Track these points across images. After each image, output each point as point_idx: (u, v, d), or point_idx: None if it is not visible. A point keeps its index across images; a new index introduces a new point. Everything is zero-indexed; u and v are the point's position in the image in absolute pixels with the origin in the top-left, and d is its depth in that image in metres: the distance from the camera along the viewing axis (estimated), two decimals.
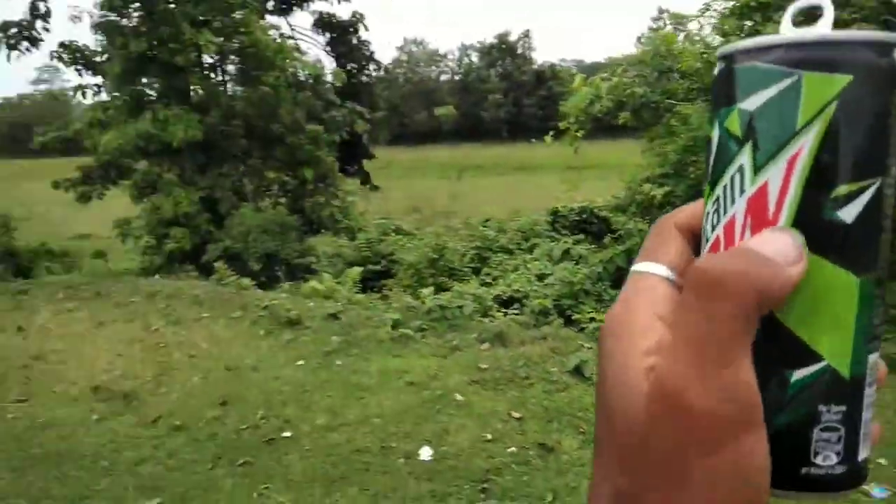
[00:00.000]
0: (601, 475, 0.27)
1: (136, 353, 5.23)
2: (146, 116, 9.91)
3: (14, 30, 11.24)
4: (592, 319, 6.09)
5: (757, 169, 0.28)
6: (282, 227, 10.25)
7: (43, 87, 62.56)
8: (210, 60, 11.16)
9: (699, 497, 0.24)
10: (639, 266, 0.31)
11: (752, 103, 0.28)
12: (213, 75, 11.24)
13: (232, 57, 10.95)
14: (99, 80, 11.73)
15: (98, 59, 11.43)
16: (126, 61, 10.36)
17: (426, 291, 7.10)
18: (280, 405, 4.26)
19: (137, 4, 10.40)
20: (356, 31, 15.10)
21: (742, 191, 0.28)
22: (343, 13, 15.21)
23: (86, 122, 12.80)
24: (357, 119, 13.14)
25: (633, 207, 8.88)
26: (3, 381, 4.78)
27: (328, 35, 15.01)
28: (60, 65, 11.85)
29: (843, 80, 0.26)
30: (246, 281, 8.06)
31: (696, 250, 0.32)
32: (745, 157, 0.28)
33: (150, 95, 11.11)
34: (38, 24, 11.50)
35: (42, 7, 11.46)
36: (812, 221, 0.27)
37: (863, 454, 0.28)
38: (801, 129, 0.26)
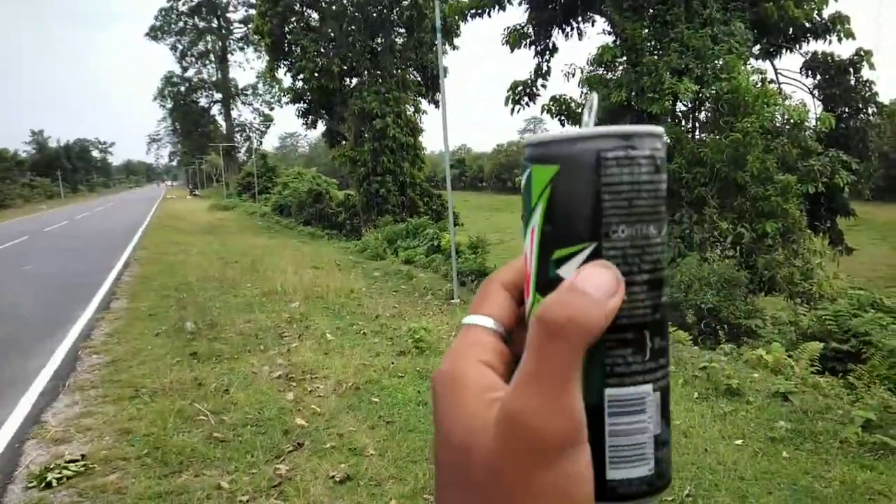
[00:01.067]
0: (445, 500, 0.31)
1: None
2: None
3: (520, 88, 13.41)
4: None
5: (524, 235, 0.35)
6: (728, 283, 9.43)
7: (527, 135, 74.40)
8: (684, 108, 11.16)
9: None
10: (467, 319, 0.35)
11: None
12: (684, 123, 11.20)
13: (707, 105, 10.71)
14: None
15: (580, 110, 12.69)
16: (604, 112, 11.18)
17: None
18: (711, 486, 3.73)
19: (624, 59, 11.16)
20: (857, 70, 13.01)
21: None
22: (843, 52, 13.36)
23: None
24: (840, 169, 11.22)
25: None
26: None
27: (818, 77, 13.35)
28: (546, 116, 13.57)
29: (552, 169, 0.33)
30: (682, 334, 7.63)
31: (520, 302, 0.36)
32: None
33: None
34: (539, 81, 13.48)
35: (545, 67, 13.41)
36: (543, 279, 0.33)
37: (613, 475, 0.31)
38: (534, 207, 0.34)
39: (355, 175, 24.10)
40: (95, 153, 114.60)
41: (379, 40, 24.43)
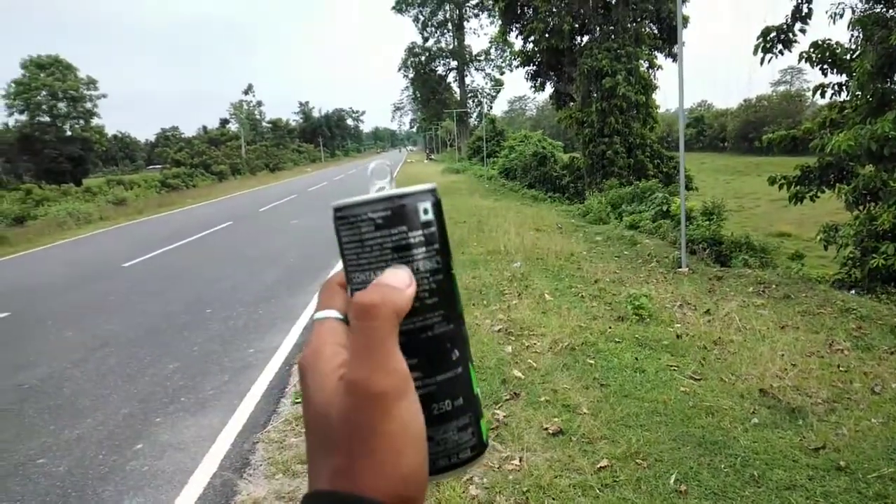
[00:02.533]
0: (318, 466, 0.37)
1: (813, 368, 4.82)
2: (888, 117, 8.84)
3: (773, 34, 11.87)
4: None
5: None
6: None
7: (781, 88, 65.72)
8: None
9: (390, 449, 0.35)
10: (319, 314, 0.42)
11: None
12: None
13: None
14: (843, 79, 11.20)
15: (848, 56, 10.87)
16: (880, 57, 9.46)
17: None
18: None
19: None
20: None
21: None
22: None
23: (818, 121, 12.51)
24: None
25: None
26: (685, 355, 5.26)
27: None
28: (807, 65, 11.84)
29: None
30: None
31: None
32: None
33: None
34: (797, 25, 11.77)
35: (804, 9, 11.64)
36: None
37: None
38: None
39: (581, 137, 23.66)
40: (349, 121, 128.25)
41: None
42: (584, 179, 24.16)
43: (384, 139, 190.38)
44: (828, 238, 10.58)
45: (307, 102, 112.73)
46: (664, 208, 14.25)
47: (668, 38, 23.95)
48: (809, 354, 5.16)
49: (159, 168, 64.38)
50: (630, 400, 4.41)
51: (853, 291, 8.59)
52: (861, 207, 10.16)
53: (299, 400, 4.81)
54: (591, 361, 5.14)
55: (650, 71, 24.17)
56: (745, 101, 62.73)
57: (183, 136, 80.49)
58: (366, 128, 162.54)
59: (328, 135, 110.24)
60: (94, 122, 55.83)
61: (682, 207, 9.64)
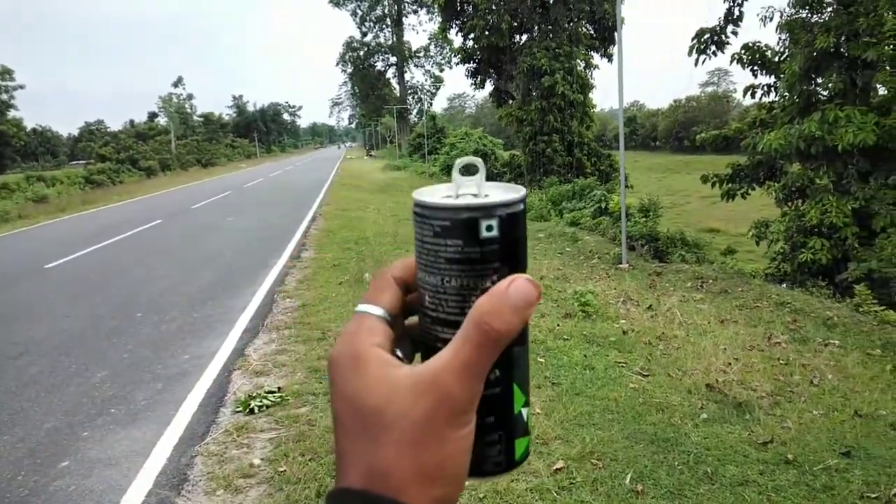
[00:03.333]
0: (351, 461, 0.36)
1: (755, 362, 4.96)
2: (814, 117, 9.27)
3: (707, 36, 12.28)
4: None
5: None
6: None
7: (709, 89, 68.49)
8: None
9: (451, 453, 0.35)
10: (360, 307, 0.41)
11: None
12: None
13: None
14: (771, 80, 11.69)
15: (777, 59, 11.34)
16: (807, 60, 9.89)
17: None
18: None
19: None
20: None
21: None
22: None
23: (748, 121, 13.03)
24: None
25: None
26: (632, 351, 5.31)
27: None
28: (735, 67, 12.29)
29: None
30: (892, 315, 6.68)
31: (406, 293, 0.43)
32: None
33: (823, 96, 10.37)
34: (729, 28, 12.22)
35: (736, 11, 12.09)
36: None
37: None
38: None
39: (521, 135, 23.91)
40: (286, 116, 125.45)
41: None
42: (524, 177, 24.42)
43: (322, 135, 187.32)
44: (759, 234, 11.03)
45: (241, 96, 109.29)
46: (603, 205, 14.52)
47: (604, 39, 24.46)
48: (751, 348, 5.30)
49: (83, 164, 61.11)
50: (582, 398, 4.39)
51: (784, 285, 8.95)
52: (790, 204, 10.64)
53: (240, 409, 4.58)
54: (542, 360, 5.12)
55: (587, 70, 24.65)
56: (675, 101, 65.15)
57: (108, 130, 76.68)
58: (303, 123, 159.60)
59: (263, 130, 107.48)
60: (11, 114, 52.46)
61: (622, 204, 9.81)
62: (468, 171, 0.41)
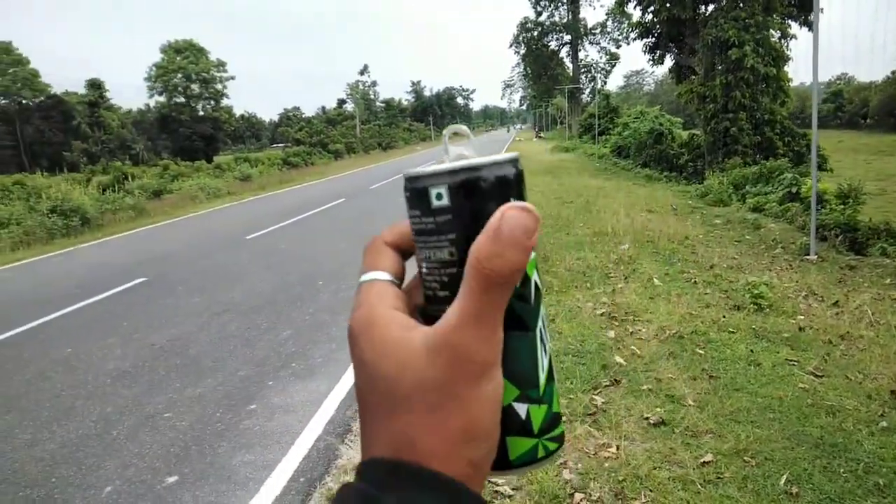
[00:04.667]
0: (376, 431, 0.36)
1: None
2: None
3: None
4: None
5: None
6: None
7: None
8: None
9: (475, 414, 0.34)
10: (366, 276, 0.40)
11: None
12: None
13: None
14: None
15: None
16: None
17: None
18: None
19: None
20: None
21: None
22: None
23: None
24: None
25: None
26: (807, 349, 4.87)
27: None
28: None
29: None
30: None
31: (404, 258, 0.42)
32: None
33: None
34: None
35: None
36: None
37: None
38: None
39: (703, 112, 22.31)
40: (459, 100, 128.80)
41: None
42: (704, 158, 22.82)
43: (494, 117, 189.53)
44: None
45: (419, 82, 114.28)
46: (793, 190, 13.15)
47: (803, 5, 21.87)
48: None
49: (282, 147, 68.08)
50: (741, 394, 4.16)
51: None
52: None
53: None
54: (701, 351, 4.90)
55: (782, 41, 22.25)
56: (892, 73, 56.22)
57: (303, 116, 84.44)
58: (475, 106, 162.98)
59: (439, 113, 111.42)
60: (224, 102, 59.91)
61: (813, 189, 8.86)
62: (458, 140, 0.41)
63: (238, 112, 78.15)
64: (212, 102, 58.50)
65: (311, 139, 58.96)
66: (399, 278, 0.41)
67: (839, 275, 7.29)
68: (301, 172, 36.52)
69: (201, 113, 57.44)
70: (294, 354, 5.66)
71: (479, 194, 0.36)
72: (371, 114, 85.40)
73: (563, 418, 0.40)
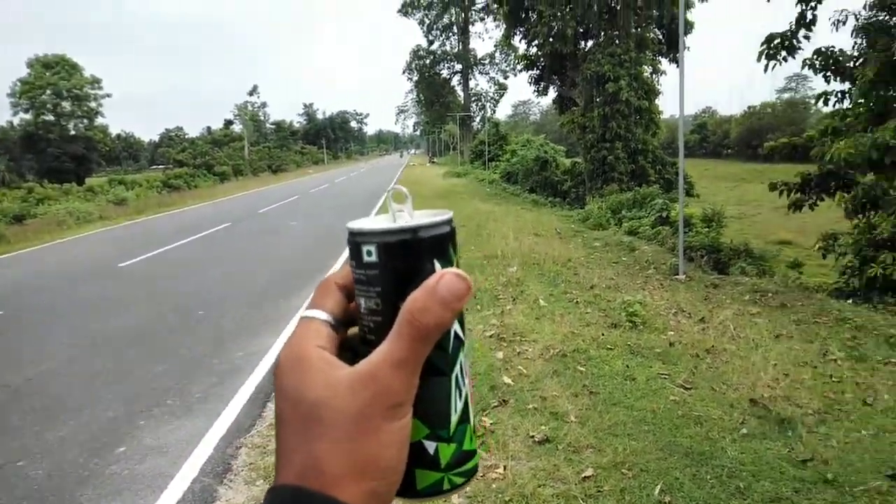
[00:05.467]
0: (290, 458, 0.37)
1: (805, 378, 4.77)
2: (890, 125, 8.79)
3: (777, 41, 11.83)
4: None
5: None
6: None
7: (786, 95, 65.59)
8: None
9: (386, 445, 0.37)
10: (307, 312, 0.43)
11: None
12: None
13: None
14: (846, 86, 11.14)
15: (851, 64, 10.82)
16: (883, 65, 9.41)
17: None
18: None
19: None
20: None
21: None
22: None
23: (819, 129, 12.47)
24: None
25: None
26: (677, 363, 5.20)
27: None
28: (809, 72, 11.79)
29: None
30: None
31: (349, 299, 0.44)
32: None
33: None
34: (801, 32, 11.73)
35: (809, 15, 11.62)
36: None
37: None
38: None
39: (583, 142, 23.64)
40: (353, 124, 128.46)
41: None
42: (585, 185, 24.12)
43: (387, 142, 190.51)
44: (826, 247, 10.52)
45: (311, 104, 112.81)
46: (664, 214, 14.19)
47: (672, 44, 23.91)
48: (802, 364, 5.10)
49: (162, 168, 64.50)
50: (618, 408, 4.35)
51: (851, 300, 8.51)
52: (860, 216, 10.10)
53: None
54: (582, 368, 5.09)
55: (653, 76, 24.17)
56: (748, 108, 62.67)
57: (187, 136, 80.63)
58: (369, 130, 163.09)
59: (332, 137, 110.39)
60: (98, 121, 55.99)
61: (680, 213, 9.58)
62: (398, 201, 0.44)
63: (115, 132, 73.29)
64: (85, 121, 54.40)
65: (194, 161, 56.29)
66: (339, 319, 0.44)
67: (705, 293, 7.90)
68: (183, 195, 34.71)
69: (73, 132, 53.25)
70: (170, 390, 5.28)
71: (405, 254, 0.40)
72: (261, 135, 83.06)
73: None
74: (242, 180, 54.01)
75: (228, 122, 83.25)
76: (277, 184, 44.76)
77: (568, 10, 23.58)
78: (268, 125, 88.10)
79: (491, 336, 5.95)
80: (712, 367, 5.07)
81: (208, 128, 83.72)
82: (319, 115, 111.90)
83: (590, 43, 24.27)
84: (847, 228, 10.41)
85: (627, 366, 5.12)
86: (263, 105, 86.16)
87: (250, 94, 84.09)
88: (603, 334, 5.93)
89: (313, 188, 34.06)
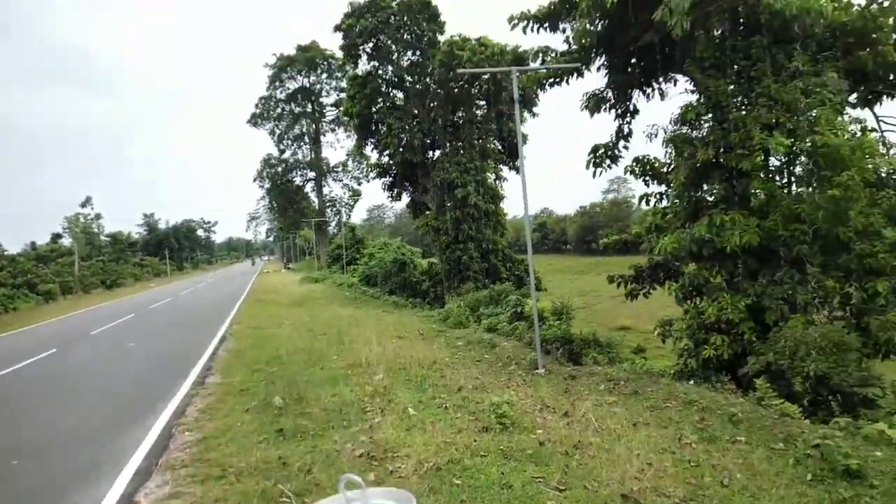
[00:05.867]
0: None
1: (667, 465, 4.97)
2: (703, 222, 10.05)
3: (601, 151, 13.38)
4: None
5: None
6: (838, 347, 8.59)
7: (611, 195, 73.46)
8: (777, 163, 10.66)
9: None
10: None
11: None
12: (778, 178, 10.67)
13: (802, 159, 10.17)
14: (662, 188, 12.69)
15: (665, 169, 12.42)
16: (691, 170, 10.87)
17: None
18: None
19: (709, 116, 10.91)
20: None
21: None
22: None
23: (645, 226, 13.97)
24: None
25: None
26: (549, 463, 5.21)
27: None
28: (631, 177, 13.38)
29: None
30: (791, 407, 6.97)
31: None
32: None
33: (709, 201, 11.31)
34: (621, 143, 13.41)
35: (626, 129, 13.40)
36: None
37: None
38: None
39: (438, 243, 24.49)
40: (200, 232, 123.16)
41: (460, 114, 25.30)
42: (443, 284, 24.74)
43: (239, 249, 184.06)
44: (664, 332, 11.47)
45: (152, 214, 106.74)
46: (518, 309, 14.81)
47: (511, 153, 26.04)
48: (662, 451, 5.33)
49: None
50: None
51: (692, 381, 9.22)
52: (689, 302, 11.21)
53: None
54: (458, 482, 4.92)
55: (497, 182, 26.01)
56: (581, 207, 69.41)
57: (5, 253, 72.35)
58: (219, 237, 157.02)
59: (176, 246, 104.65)
60: None
61: (534, 309, 10.04)
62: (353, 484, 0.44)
63: None
64: None
65: (14, 280, 50.31)
66: None
67: (564, 385, 8.16)
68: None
69: None
70: None
71: None
72: (94, 249, 76.70)
73: None
74: (72, 299, 48.93)
75: (56, 236, 76.19)
76: (112, 301, 41.01)
77: (415, 123, 25.04)
78: (102, 237, 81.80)
79: (360, 456, 5.62)
80: (582, 464, 5.13)
81: (33, 243, 75.86)
82: (162, 225, 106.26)
83: (437, 153, 25.76)
84: (679, 314, 11.47)
85: (502, 472, 5.03)
86: (98, 217, 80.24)
87: (83, 205, 78.18)
88: (475, 440, 5.83)
89: (154, 303, 31.58)
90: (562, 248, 71.62)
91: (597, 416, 6.43)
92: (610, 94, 13.54)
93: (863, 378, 8.55)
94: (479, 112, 25.63)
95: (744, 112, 10.38)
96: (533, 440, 5.77)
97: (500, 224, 25.02)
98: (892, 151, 11.27)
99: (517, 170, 26.20)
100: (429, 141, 25.51)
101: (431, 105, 25.51)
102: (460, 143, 24.99)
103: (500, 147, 26.51)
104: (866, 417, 7.36)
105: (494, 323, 14.45)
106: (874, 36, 11.07)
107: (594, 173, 13.62)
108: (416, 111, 25.49)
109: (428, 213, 25.84)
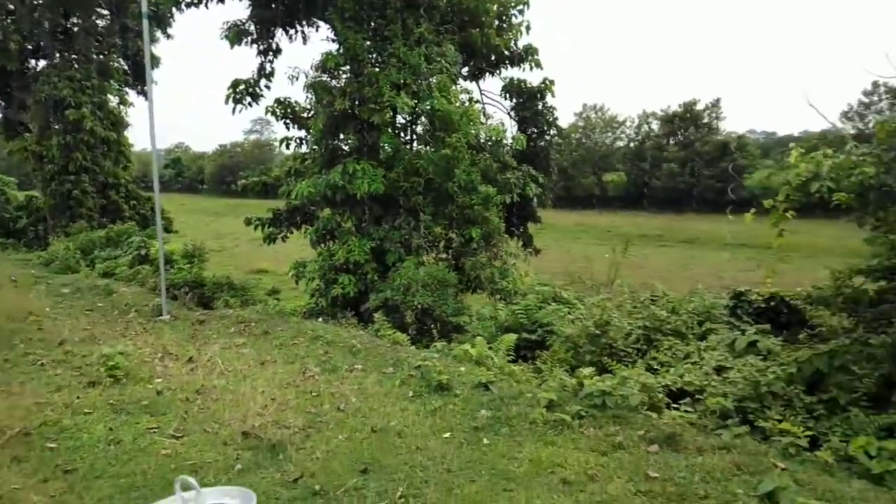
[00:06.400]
0: None
1: (290, 399, 5.17)
2: (337, 169, 10.52)
3: (242, 87, 12.74)
4: (783, 432, 4.92)
5: None
6: (440, 283, 10.16)
7: (253, 136, 71.60)
8: (403, 120, 11.76)
9: None
10: None
11: None
12: (403, 134, 11.81)
13: (423, 119, 11.45)
14: (303, 133, 12.83)
15: (305, 115, 12.54)
16: (329, 118, 11.20)
17: (586, 371, 6.39)
18: (421, 483, 3.86)
19: (347, 67, 11.32)
20: (543, 97, 15.14)
21: None
22: (534, 79, 15.34)
23: (284, 170, 14.03)
24: (530, 182, 12.99)
25: (839, 301, 7.60)
26: (167, 412, 4.92)
27: (515, 100, 15.15)
28: (272, 118, 13.16)
29: None
30: (401, 336, 7.96)
31: None
32: None
33: (345, 150, 11.88)
34: (262, 82, 12.97)
35: (268, 68, 12.99)
36: None
37: None
38: None
39: (41, 173, 20.54)
40: None
41: (75, 20, 21.18)
42: (46, 222, 20.89)
43: None
44: (298, 273, 11.85)
45: None
46: (143, 252, 13.46)
47: (139, 76, 23.03)
48: (287, 385, 5.53)
49: None
50: (103, 481, 3.81)
51: (321, 319, 9.77)
52: (323, 245, 11.78)
53: None
54: (53, 445, 4.27)
55: (121, 107, 22.82)
56: (220, 146, 66.09)
57: None
58: None
59: None
60: None
61: (160, 251, 9.23)
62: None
63: None
64: None
65: None
66: None
67: (191, 331, 7.78)
68: None
69: None
70: None
71: None
72: None
73: None
74: None
75: None
76: None
77: (9, 20, 20.09)
78: None
79: None
80: (203, 408, 4.99)
81: None
82: None
83: (42, 63, 21.26)
84: (313, 256, 11.97)
85: (111, 428, 4.56)
86: None
87: None
88: (79, 397, 5.13)
89: None
90: (198, 187, 67.39)
91: (224, 359, 6.30)
92: (252, 27, 12.98)
93: (457, 309, 10.26)
94: (100, 22, 21.88)
95: (377, 69, 11.13)
96: (150, 390, 5.36)
97: (124, 155, 22.15)
98: (488, 121, 13.51)
99: (146, 95, 23.34)
100: (30, 46, 20.84)
101: (35, 2, 20.76)
102: (74, 56, 21.00)
103: (125, 67, 23.18)
104: (457, 340, 8.82)
105: (112, 267, 12.86)
106: (483, 19, 13.00)
107: (234, 109, 13.00)
108: (11, 5, 20.44)
109: (28, 135, 21.32)
